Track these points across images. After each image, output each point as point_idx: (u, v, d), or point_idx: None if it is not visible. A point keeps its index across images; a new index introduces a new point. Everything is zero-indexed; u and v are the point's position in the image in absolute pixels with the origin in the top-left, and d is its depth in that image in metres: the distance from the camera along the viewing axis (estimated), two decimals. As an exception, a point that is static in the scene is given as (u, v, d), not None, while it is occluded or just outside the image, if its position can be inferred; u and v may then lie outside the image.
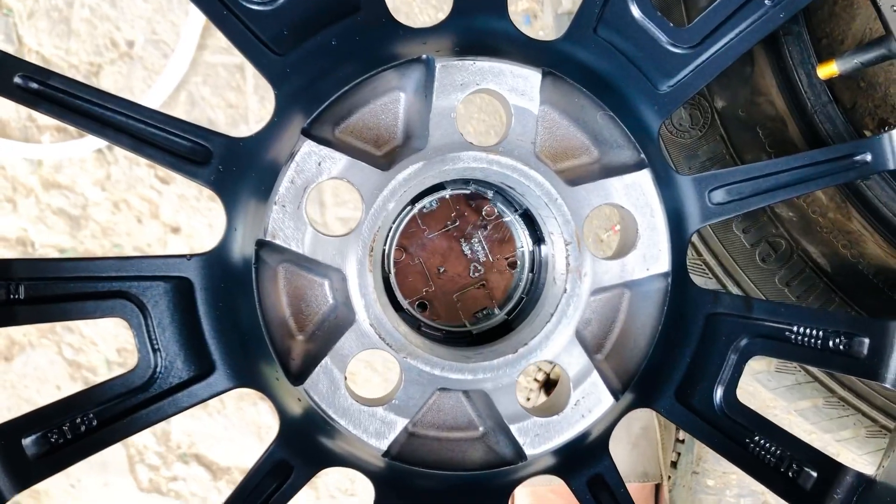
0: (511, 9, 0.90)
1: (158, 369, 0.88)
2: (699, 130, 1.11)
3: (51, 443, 0.84)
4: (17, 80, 0.82)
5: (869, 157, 0.94)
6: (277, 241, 0.85)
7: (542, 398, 1.69)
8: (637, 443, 1.75)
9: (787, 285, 1.15)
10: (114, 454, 2.07)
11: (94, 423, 0.86)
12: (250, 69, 1.82)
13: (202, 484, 2.08)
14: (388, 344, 0.86)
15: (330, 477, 2.08)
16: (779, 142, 1.16)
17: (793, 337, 0.95)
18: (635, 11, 0.91)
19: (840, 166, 0.94)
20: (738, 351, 0.95)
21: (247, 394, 2.06)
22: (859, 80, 1.21)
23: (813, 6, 1.20)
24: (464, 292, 0.98)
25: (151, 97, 1.74)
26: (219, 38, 1.80)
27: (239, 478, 2.07)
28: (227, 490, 2.07)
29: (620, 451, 1.74)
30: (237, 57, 1.81)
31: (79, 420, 0.85)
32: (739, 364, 0.95)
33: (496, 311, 0.99)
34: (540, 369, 1.66)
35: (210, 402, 2.04)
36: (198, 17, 1.76)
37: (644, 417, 1.75)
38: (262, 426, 2.07)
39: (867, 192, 1.17)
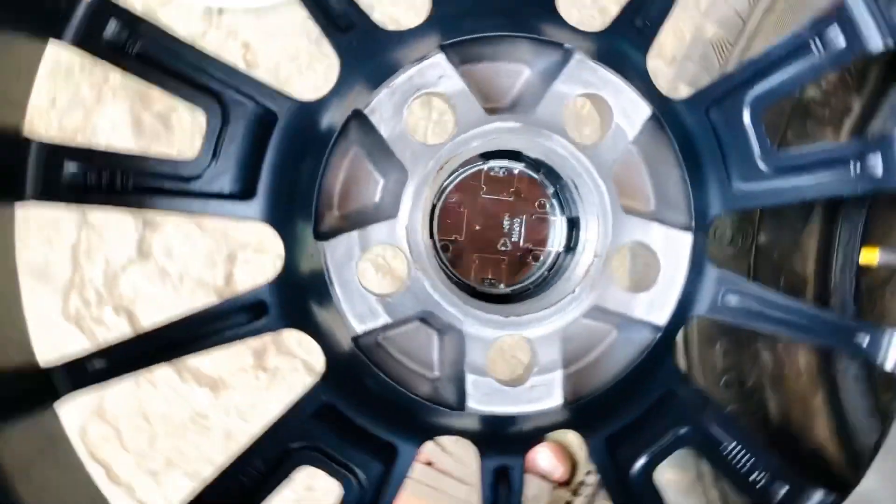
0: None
1: (209, 171, 0.96)
2: (733, 250, 1.22)
3: (84, 180, 0.92)
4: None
5: (865, 343, 1.04)
6: (372, 118, 0.94)
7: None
8: None
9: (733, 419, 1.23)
10: (59, 270, 2.11)
11: (130, 184, 0.94)
12: None
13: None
14: (410, 249, 0.94)
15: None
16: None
17: (725, 451, 1.04)
18: (746, 118, 1.02)
19: (840, 338, 1.05)
20: (677, 435, 1.03)
21: (206, 282, 2.12)
22: (887, 287, 1.32)
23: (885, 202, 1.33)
24: (484, 257, 1.07)
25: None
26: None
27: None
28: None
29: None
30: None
31: (119, 173, 0.94)
32: (672, 447, 1.03)
33: (502, 286, 1.08)
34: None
35: (171, 273, 2.10)
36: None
37: (536, 486, 1.82)
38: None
39: (840, 383, 1.27)
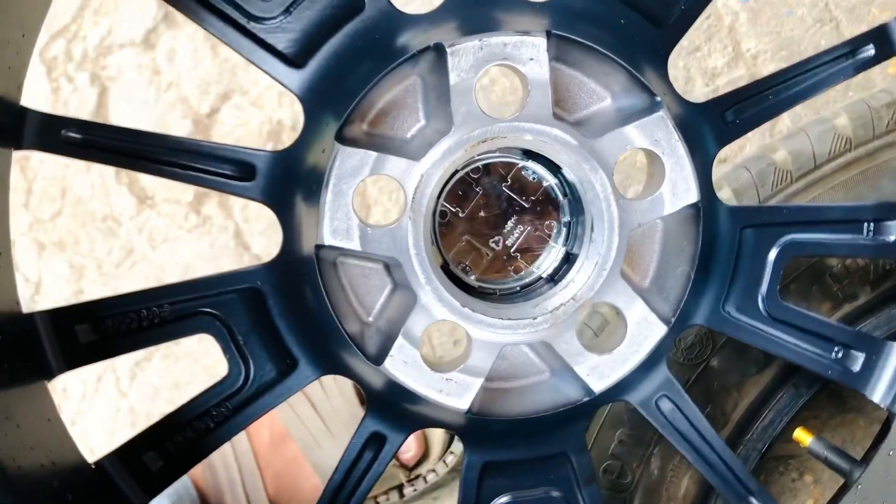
0: None
1: (274, 21, 0.93)
2: (685, 359, 1.24)
3: (167, 454, 0.95)
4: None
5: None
6: (450, 59, 0.91)
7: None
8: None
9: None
10: (61, 9, 2.04)
11: (190, 435, 0.96)
12: None
13: (81, 107, 2.05)
14: (414, 196, 0.93)
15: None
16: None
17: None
18: (771, 255, 1.04)
19: (736, 493, 1.07)
20: (548, 495, 1.04)
21: (190, 105, 2.07)
22: (804, 472, 1.36)
23: (850, 404, 1.37)
24: (471, 243, 1.06)
25: None
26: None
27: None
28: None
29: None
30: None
31: (178, 437, 0.95)
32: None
33: (473, 277, 1.07)
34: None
35: (163, 75, 2.04)
36: None
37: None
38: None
39: None
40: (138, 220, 2.11)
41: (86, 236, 2.12)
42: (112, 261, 2.13)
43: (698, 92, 2.04)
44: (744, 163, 1.28)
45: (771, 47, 2.09)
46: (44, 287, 2.11)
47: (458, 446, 1.87)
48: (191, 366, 2.10)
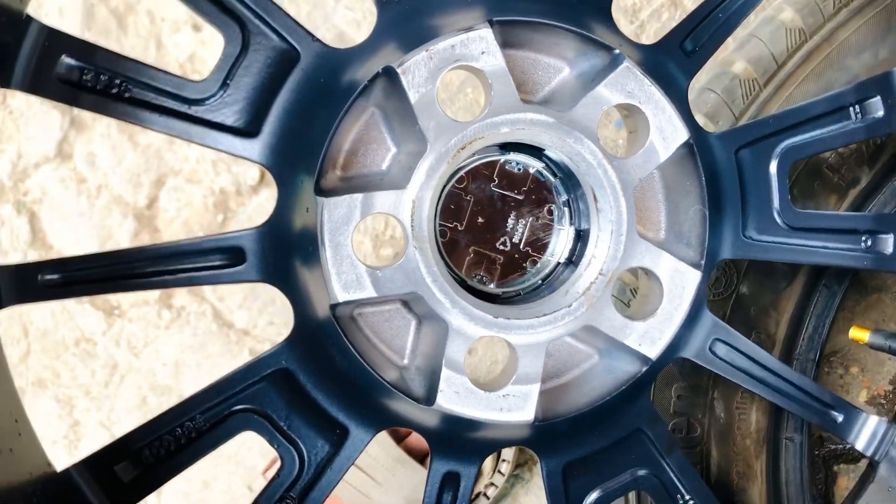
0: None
1: (214, 98, 0.91)
2: (713, 294, 1.23)
3: (81, 79, 0.87)
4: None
5: (839, 420, 1.07)
6: (403, 79, 0.90)
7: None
8: (413, 509, 1.78)
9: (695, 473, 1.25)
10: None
11: (127, 94, 0.89)
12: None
13: (15, 239, 2.00)
14: (412, 224, 0.91)
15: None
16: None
17: (680, 501, 1.04)
18: (772, 168, 1.03)
19: (816, 411, 1.07)
20: (635, 476, 1.04)
21: (126, 202, 2.02)
22: (849, 366, 1.37)
23: (871, 285, 1.37)
24: (480, 252, 1.05)
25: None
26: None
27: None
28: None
29: (394, 500, 1.78)
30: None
31: (118, 80, 0.88)
32: (627, 486, 1.04)
33: (492, 285, 1.05)
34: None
35: (89, 182, 1.99)
36: None
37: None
38: (112, 238, 2.02)
39: (783, 449, 1.30)
40: (112, 333, 2.06)
41: (63, 366, 2.06)
42: (98, 382, 2.08)
43: (626, 32, 2.05)
44: (706, 85, 1.28)
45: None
46: (36, 430, 2.04)
47: (508, 452, 1.86)
48: (212, 460, 2.06)
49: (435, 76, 0.91)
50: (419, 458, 1.84)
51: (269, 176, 2.04)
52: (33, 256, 2.03)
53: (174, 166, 2.07)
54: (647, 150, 0.96)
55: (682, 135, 0.96)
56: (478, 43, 0.91)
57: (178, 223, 2.06)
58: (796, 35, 1.25)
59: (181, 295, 2.06)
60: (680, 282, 0.98)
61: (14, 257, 2.02)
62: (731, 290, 1.26)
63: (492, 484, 1.84)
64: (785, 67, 1.25)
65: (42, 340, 2.05)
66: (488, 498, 1.85)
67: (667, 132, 0.96)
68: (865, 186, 1.27)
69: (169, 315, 2.08)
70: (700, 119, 1.27)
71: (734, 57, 1.28)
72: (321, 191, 0.91)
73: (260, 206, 2.06)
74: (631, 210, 0.95)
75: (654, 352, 0.98)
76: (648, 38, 1.96)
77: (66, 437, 2.09)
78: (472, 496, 1.85)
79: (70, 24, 1.96)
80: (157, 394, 2.07)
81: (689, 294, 0.98)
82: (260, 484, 1.96)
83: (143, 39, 2.03)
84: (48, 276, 0.88)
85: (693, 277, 0.98)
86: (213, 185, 2.06)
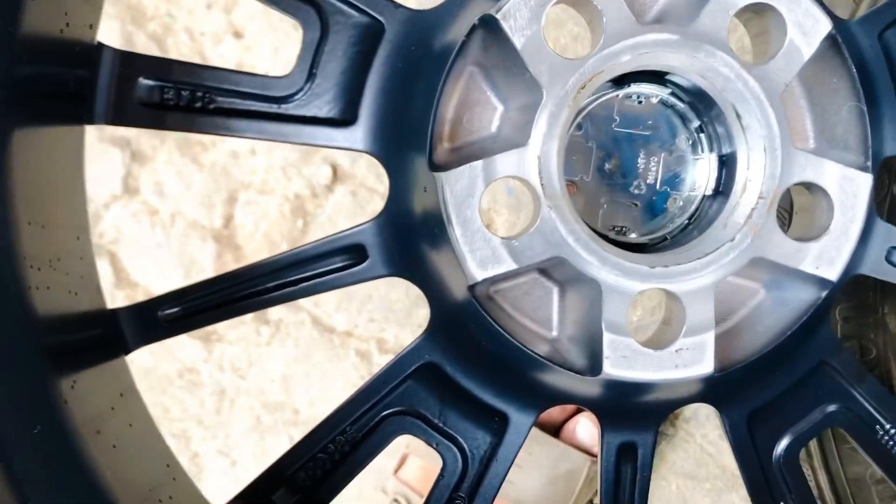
0: None
1: (303, 92, 0.84)
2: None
3: (163, 99, 0.81)
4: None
5: None
6: (504, 25, 0.81)
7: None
8: (556, 481, 1.72)
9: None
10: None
11: (212, 105, 0.83)
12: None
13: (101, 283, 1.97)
14: (542, 182, 0.82)
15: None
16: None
17: (881, 433, 0.95)
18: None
19: None
20: (825, 413, 0.94)
21: (202, 225, 1.98)
22: None
23: None
24: (613, 201, 0.96)
25: None
26: None
27: (141, 297, 1.98)
28: (122, 303, 1.96)
29: (536, 480, 1.71)
30: None
31: (200, 93, 0.83)
32: (820, 425, 0.94)
33: (634, 235, 0.96)
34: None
35: (161, 212, 1.95)
36: None
37: (575, 461, 1.73)
38: (195, 265, 1.98)
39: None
40: (213, 359, 2.02)
41: (171, 401, 2.04)
42: (209, 410, 2.05)
43: None
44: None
45: None
46: (161, 470, 2.03)
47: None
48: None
49: (539, 14, 0.81)
50: (552, 431, 1.77)
51: (342, 172, 1.97)
52: (121, 298, 2.01)
53: (243, 180, 2.01)
54: (788, 49, 0.85)
55: (824, 26, 0.85)
56: (582, -34, 0.82)
57: (259, 237, 2.01)
58: None
59: (276, 308, 2.01)
60: (850, 189, 0.87)
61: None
62: (885, 192, 1.15)
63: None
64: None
65: (146, 379, 2.03)
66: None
67: (806, 26, 0.85)
68: None
69: (268, 330, 2.03)
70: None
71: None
72: (437, 166, 0.83)
73: (337, 203, 2.00)
74: (782, 120, 0.85)
75: (833, 273, 0.87)
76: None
77: (189, 471, 2.06)
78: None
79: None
80: (269, 412, 2.04)
81: (863, 202, 0.87)
82: (392, 485, 1.91)
83: (187, 58, 1.97)
84: (168, 311, 0.83)
85: (865, 182, 0.87)
86: (287, 191, 2.00)
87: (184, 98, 0.82)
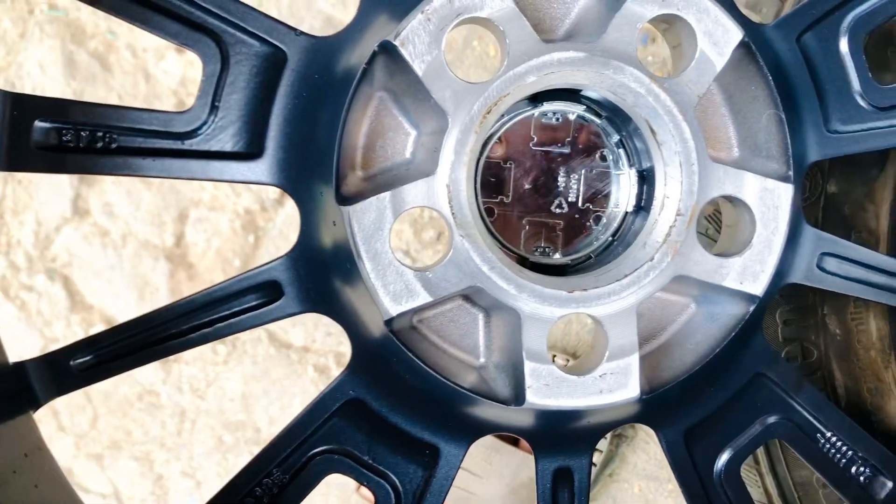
0: None
1: (206, 126, 0.82)
2: (803, 201, 1.10)
3: (62, 141, 0.79)
4: None
5: None
6: (403, 52, 0.79)
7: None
8: (518, 490, 1.70)
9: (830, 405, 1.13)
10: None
11: (114, 144, 0.80)
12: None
13: (55, 308, 1.94)
14: (452, 212, 0.80)
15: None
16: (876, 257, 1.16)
17: (822, 442, 0.93)
18: (843, 46, 0.90)
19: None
20: (765, 425, 0.92)
21: (153, 245, 1.95)
22: None
23: None
24: (535, 221, 0.94)
25: None
26: None
27: (98, 320, 1.95)
28: (79, 327, 1.94)
29: (497, 489, 1.70)
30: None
31: (101, 133, 0.80)
32: (759, 438, 0.93)
33: (557, 255, 0.94)
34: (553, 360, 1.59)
35: (112, 233, 1.92)
36: None
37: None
38: (149, 285, 1.95)
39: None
40: (172, 380, 2.00)
41: (133, 424, 2.02)
42: (171, 432, 2.02)
43: None
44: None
45: None
46: (123, 494, 2.01)
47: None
48: None
49: (438, 39, 0.79)
50: (512, 441, 1.75)
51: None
52: (76, 321, 1.98)
53: (193, 197, 1.98)
54: (699, 61, 0.83)
55: (735, 35, 0.83)
56: (478, -13, 0.79)
57: (211, 254, 1.98)
58: None
59: (232, 326, 1.98)
60: (771, 201, 0.85)
61: (58, 327, 1.97)
62: (819, 191, 1.13)
63: (596, 450, 1.74)
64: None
65: (106, 402, 2.00)
66: (595, 465, 1.75)
67: (717, 36, 0.83)
68: (946, 40, 1.13)
69: (224, 349, 2.01)
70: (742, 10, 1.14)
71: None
72: (344, 199, 0.80)
73: (288, 217, 1.97)
74: (697, 135, 0.83)
75: (758, 287, 0.85)
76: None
77: (154, 494, 2.05)
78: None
79: (53, 78, 1.88)
80: (231, 431, 2.01)
81: (785, 212, 0.85)
82: (357, 501, 1.89)
83: (131, 75, 1.94)
84: (81, 360, 0.81)
85: (785, 192, 0.85)
86: (237, 207, 1.97)
87: (84, 139, 0.79)
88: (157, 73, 1.95)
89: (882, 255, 0.92)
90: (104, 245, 1.99)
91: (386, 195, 0.79)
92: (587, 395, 0.83)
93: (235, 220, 1.97)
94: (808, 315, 1.14)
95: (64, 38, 1.92)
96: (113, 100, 1.92)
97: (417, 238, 1.90)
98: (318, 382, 1.96)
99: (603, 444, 1.73)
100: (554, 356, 1.57)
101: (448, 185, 0.79)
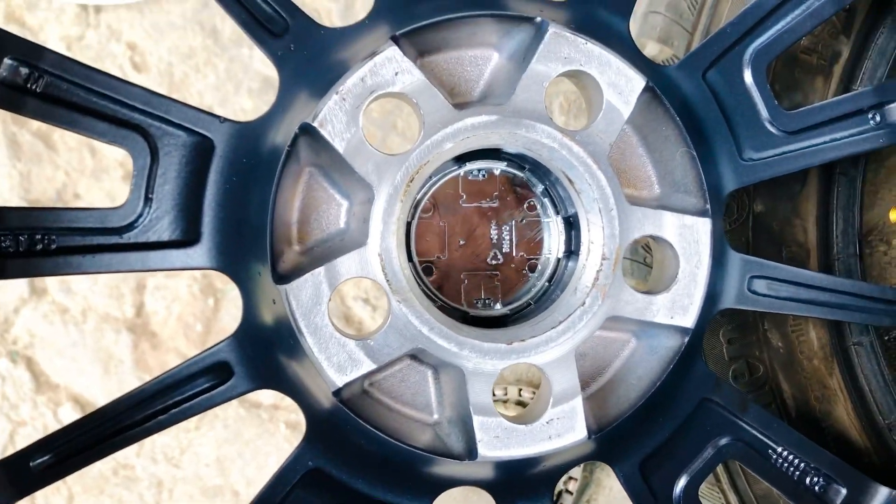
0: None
1: (142, 218, 0.85)
2: (728, 223, 1.15)
3: (0, 247, 0.81)
4: None
5: None
6: (323, 132, 0.83)
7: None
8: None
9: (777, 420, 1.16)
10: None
11: (53, 245, 0.83)
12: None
13: (20, 390, 1.94)
14: (387, 279, 0.83)
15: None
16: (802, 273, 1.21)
17: (774, 457, 0.97)
18: (748, 77, 0.94)
19: (881, 309, 0.98)
20: (717, 448, 0.96)
21: (114, 317, 1.96)
22: (890, 240, 1.28)
23: (884, 150, 1.27)
24: (473, 274, 0.97)
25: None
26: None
27: (65, 399, 1.95)
28: (46, 408, 1.94)
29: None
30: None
31: (39, 235, 0.82)
32: (713, 461, 0.96)
33: (498, 305, 0.97)
34: (519, 393, 1.62)
35: (71, 309, 1.93)
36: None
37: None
38: (113, 358, 1.96)
39: (854, 357, 1.22)
40: (145, 452, 2.00)
41: (110, 500, 2.02)
42: (147, 503, 2.02)
43: None
44: (649, 7, 1.18)
45: None
46: (109, 572, 2.01)
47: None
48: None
49: (355, 117, 0.83)
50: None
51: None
52: (43, 402, 1.98)
53: (149, 267, 2.00)
54: (607, 111, 0.87)
55: (637, 83, 0.88)
56: (388, 66, 0.83)
57: (172, 321, 1.99)
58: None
59: (200, 391, 2.00)
60: (691, 237, 0.90)
61: (24, 409, 1.97)
62: (746, 212, 1.17)
63: (571, 478, 1.77)
64: (723, -36, 1.15)
65: (82, 481, 2.00)
66: (571, 493, 1.78)
67: (620, 85, 0.88)
68: (848, 57, 1.18)
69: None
70: (654, 46, 1.19)
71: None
72: (281, 277, 0.84)
73: (247, 276, 1.99)
74: (612, 181, 0.87)
75: (689, 320, 0.90)
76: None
77: (139, 568, 2.04)
78: (556, 496, 1.78)
79: (-4, 162, 1.90)
80: (209, 497, 2.02)
81: (706, 246, 0.90)
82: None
83: (76, 151, 1.96)
84: (40, 460, 0.83)
85: (703, 227, 0.90)
86: (194, 272, 1.99)
87: (23, 244, 0.81)
88: (102, 147, 1.97)
89: (807, 270, 0.97)
90: (65, 322, 1.99)
91: (321, 270, 0.82)
92: (537, 442, 0.87)
93: (193, 284, 1.99)
94: (750, 332, 1.18)
95: (5, 119, 1.94)
96: (60, 178, 1.94)
97: (376, 285, 1.92)
98: (292, 439, 1.97)
99: (577, 472, 1.76)
100: (520, 390, 1.60)
101: (380, 255, 0.83)
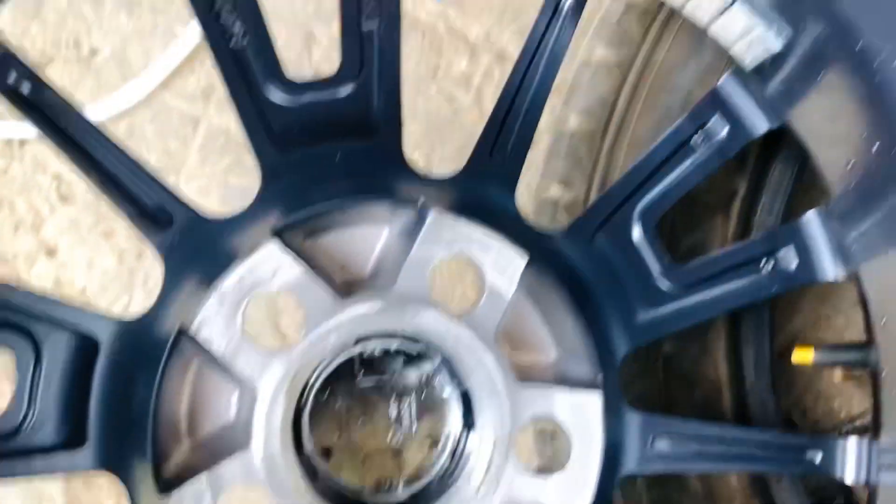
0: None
1: (27, 423, 0.83)
2: (639, 365, 1.14)
3: None
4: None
5: (818, 459, 0.94)
6: (200, 336, 0.82)
7: None
8: None
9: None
10: None
11: None
12: (204, 126, 1.80)
13: None
14: (272, 487, 0.82)
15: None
16: (711, 409, 1.20)
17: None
18: (636, 235, 0.93)
19: (790, 460, 0.96)
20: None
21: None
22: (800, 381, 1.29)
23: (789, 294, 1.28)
24: (375, 455, 0.96)
25: (89, 111, 1.69)
26: (185, 84, 1.78)
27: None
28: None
29: None
30: (197, 109, 1.78)
31: None
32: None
33: (400, 488, 0.96)
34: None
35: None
36: (175, 55, 1.74)
37: None
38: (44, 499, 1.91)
39: (777, 496, 1.20)
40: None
41: None
42: None
43: (465, 102, 1.91)
44: (550, 153, 1.19)
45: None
46: None
47: None
48: None
49: (233, 319, 0.82)
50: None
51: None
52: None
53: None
54: (490, 293, 0.87)
55: (519, 262, 0.88)
56: (265, 264, 0.83)
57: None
58: (616, 70, 1.16)
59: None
60: (583, 416, 0.89)
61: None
62: (656, 356, 1.17)
63: None
64: (617, 108, 1.16)
65: None
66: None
67: (502, 265, 0.87)
68: (746, 193, 1.19)
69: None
70: (557, 189, 1.19)
71: (566, 113, 1.19)
72: (165, 484, 0.81)
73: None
74: (501, 362, 0.86)
75: (585, 499, 0.88)
76: (490, 102, 1.84)
77: None
78: None
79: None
80: None
81: (597, 423, 0.89)
82: None
83: (5, 279, 1.93)
84: None
85: (594, 404, 0.89)
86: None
87: None
88: (31, 278, 1.94)
89: (712, 425, 0.96)
90: None
91: (202, 478, 0.81)
92: None
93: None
94: (668, 477, 1.17)
95: None
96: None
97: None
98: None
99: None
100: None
101: (264, 461, 0.82)
